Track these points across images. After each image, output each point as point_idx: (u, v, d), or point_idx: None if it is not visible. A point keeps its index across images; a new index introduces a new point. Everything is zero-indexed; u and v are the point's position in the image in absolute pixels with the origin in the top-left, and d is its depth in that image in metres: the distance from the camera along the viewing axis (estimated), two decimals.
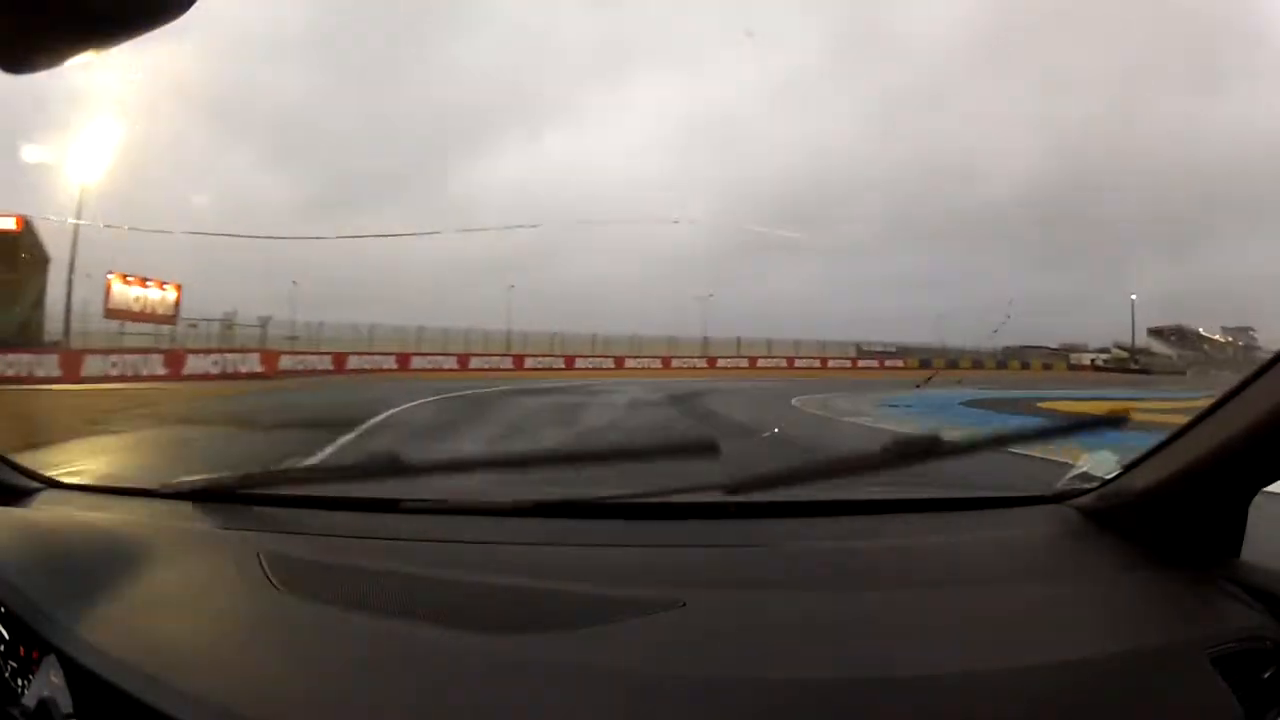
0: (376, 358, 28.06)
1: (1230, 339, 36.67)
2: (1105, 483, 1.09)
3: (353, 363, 27.05)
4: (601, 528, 1.18)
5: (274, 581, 0.91)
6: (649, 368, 33.01)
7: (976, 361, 35.04)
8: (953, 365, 32.96)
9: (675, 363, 34.85)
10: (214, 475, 1.28)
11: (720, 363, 36.02)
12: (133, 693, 0.70)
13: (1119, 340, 36.64)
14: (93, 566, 0.95)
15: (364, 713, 0.68)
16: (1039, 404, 12.75)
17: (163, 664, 0.75)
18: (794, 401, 13.39)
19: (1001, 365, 35.89)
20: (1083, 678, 0.71)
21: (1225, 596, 0.85)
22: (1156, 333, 36.27)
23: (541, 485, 1.27)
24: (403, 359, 28.52)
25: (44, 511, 1.28)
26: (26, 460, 1.42)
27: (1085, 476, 1.16)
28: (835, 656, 0.75)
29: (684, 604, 0.82)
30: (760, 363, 36.68)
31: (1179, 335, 36.54)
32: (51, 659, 0.78)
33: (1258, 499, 0.92)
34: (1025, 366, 35.99)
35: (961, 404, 12.19)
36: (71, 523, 1.19)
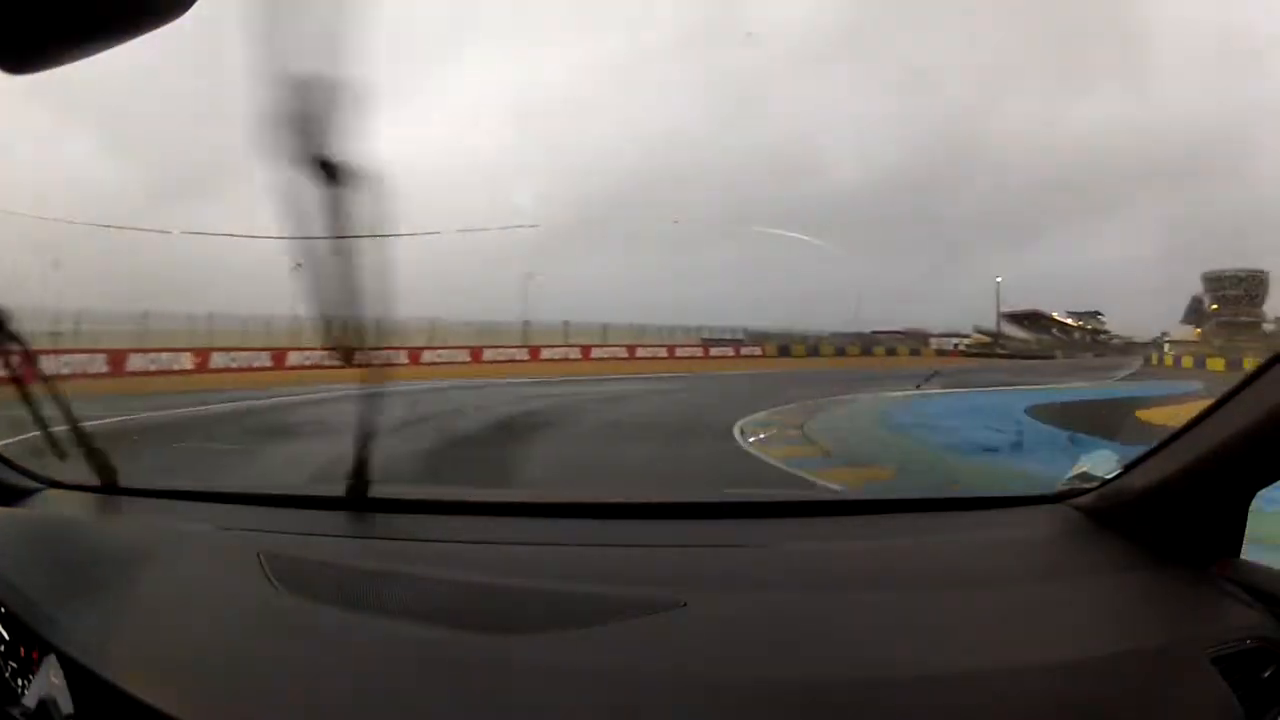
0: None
1: (1080, 323, 37.59)
2: (1105, 483, 1.09)
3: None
4: (601, 528, 1.17)
5: (274, 581, 0.91)
6: (452, 362, 23.69)
7: (839, 349, 33.53)
8: (814, 352, 32.09)
9: (488, 354, 26.79)
10: (214, 476, 1.37)
11: (544, 354, 28.41)
12: (132, 693, 0.70)
13: (978, 324, 36.41)
14: (93, 566, 0.95)
15: (363, 712, 0.68)
16: (1136, 413, 9.47)
17: (163, 664, 0.75)
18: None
19: (867, 352, 33.75)
20: (1083, 678, 0.71)
21: (1225, 596, 0.85)
22: (1012, 317, 36.52)
23: (541, 486, 1.29)
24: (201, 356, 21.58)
25: (44, 511, 1.28)
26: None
27: (1085, 476, 1.16)
28: (836, 656, 0.76)
29: (684, 604, 0.82)
30: (595, 352, 29.69)
31: (1033, 319, 36.99)
32: (51, 659, 0.78)
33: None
34: (891, 353, 33.92)
35: (1029, 414, 9.95)
36: (71, 523, 1.20)
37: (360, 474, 1.19)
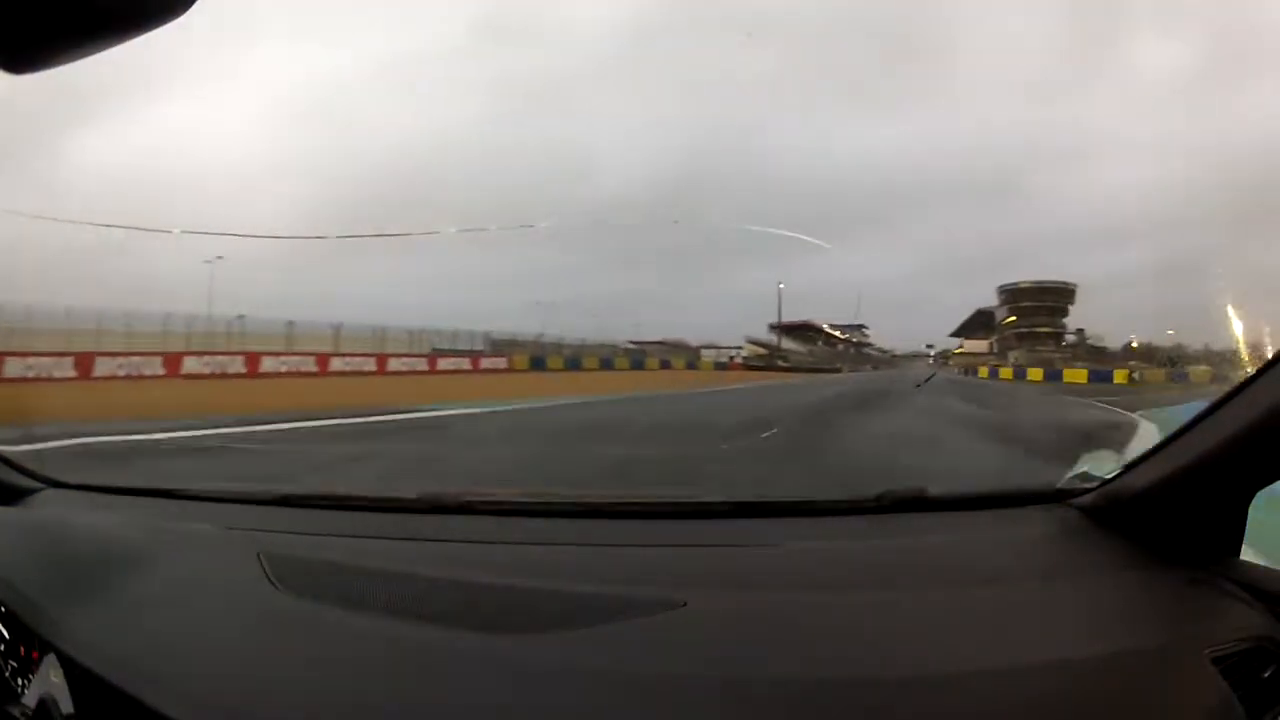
0: None
1: (846, 335, 37.81)
2: (1105, 482, 1.09)
3: None
4: (601, 528, 1.18)
5: (274, 581, 0.91)
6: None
7: (605, 360, 29.40)
8: (575, 365, 27.63)
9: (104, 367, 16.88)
10: (214, 476, 1.35)
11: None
12: (132, 692, 0.71)
13: (750, 335, 35.38)
14: (93, 566, 0.96)
15: (363, 712, 0.68)
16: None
17: (162, 663, 0.76)
18: None
19: (638, 365, 30.24)
20: (1083, 678, 0.71)
21: (1225, 596, 0.85)
22: (786, 328, 35.92)
23: (542, 486, 1.29)
24: None
25: (44, 511, 1.29)
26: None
27: (1085, 476, 1.16)
28: (836, 656, 0.75)
29: (684, 604, 0.82)
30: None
31: (805, 330, 36.97)
32: (51, 658, 0.79)
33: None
34: (666, 366, 31.56)
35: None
36: (71, 523, 1.20)
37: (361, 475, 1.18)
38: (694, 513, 1.22)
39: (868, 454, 6.25)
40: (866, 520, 1.20)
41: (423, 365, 24.72)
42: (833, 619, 0.83)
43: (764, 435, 7.23)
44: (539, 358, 27.80)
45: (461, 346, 27.05)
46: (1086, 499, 1.11)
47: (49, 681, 0.77)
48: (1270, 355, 0.84)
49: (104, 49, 0.59)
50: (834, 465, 5.78)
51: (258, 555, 0.97)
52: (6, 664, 0.84)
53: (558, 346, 29.37)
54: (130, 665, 0.75)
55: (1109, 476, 1.10)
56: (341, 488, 1.23)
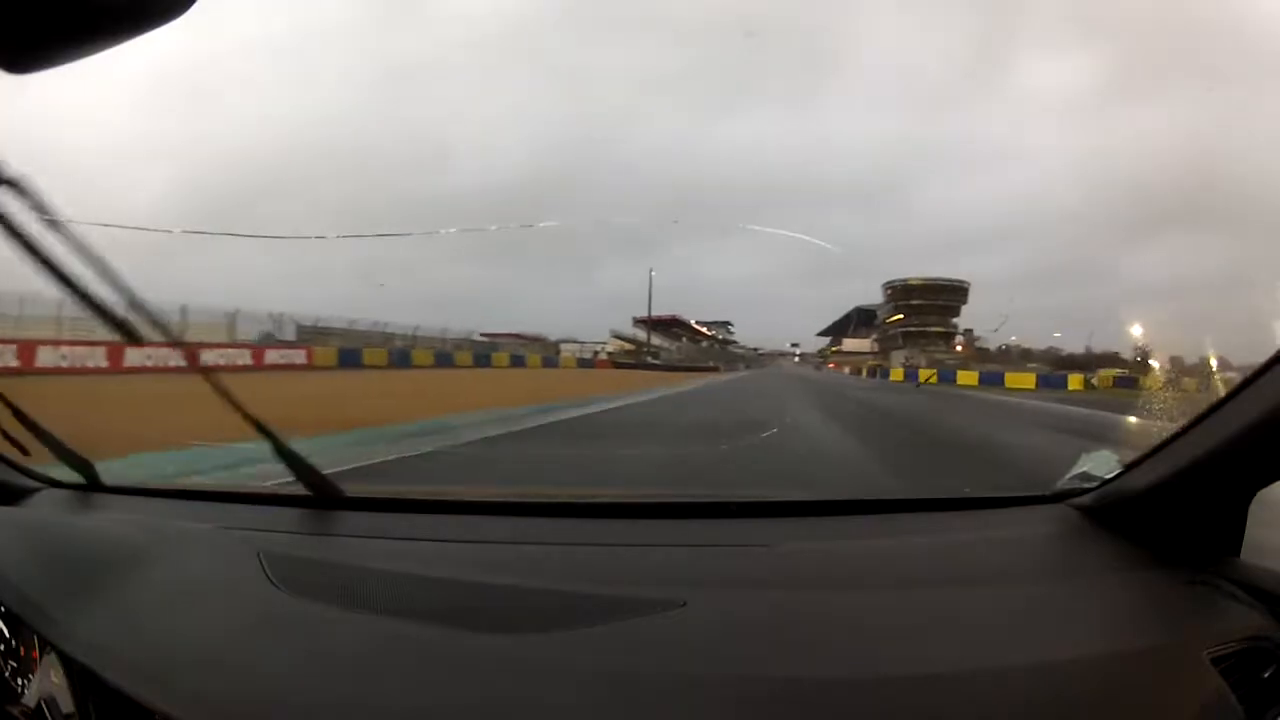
0: None
1: (713, 331, 38.17)
2: (1105, 483, 1.09)
3: None
4: (601, 528, 1.17)
5: (274, 581, 0.91)
6: None
7: (442, 356, 25.67)
8: (403, 360, 22.92)
9: None
10: (214, 475, 1.37)
11: None
12: (132, 692, 0.71)
13: (615, 329, 34.70)
14: (93, 566, 0.96)
15: (364, 712, 0.68)
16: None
17: (162, 663, 0.76)
18: None
19: (483, 361, 27.47)
20: (1084, 677, 0.71)
21: (1225, 596, 0.86)
22: (656, 323, 35.09)
23: (541, 485, 1.29)
24: None
25: (44, 511, 1.29)
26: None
27: (1085, 476, 1.16)
28: (836, 656, 0.75)
29: (684, 604, 0.82)
30: None
31: (672, 326, 36.59)
32: (51, 658, 0.79)
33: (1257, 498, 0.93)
34: (519, 362, 28.79)
35: None
36: (72, 523, 1.20)
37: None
38: (694, 513, 1.22)
39: None
40: (866, 520, 1.20)
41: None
42: (832, 619, 0.83)
43: None
44: (352, 350, 21.76)
45: (286, 336, 21.67)
46: (1086, 499, 1.11)
47: (49, 681, 0.78)
48: (1271, 356, 0.83)
49: (104, 49, 0.60)
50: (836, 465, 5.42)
51: (257, 554, 0.97)
52: (6, 664, 0.85)
53: (386, 337, 24.73)
54: (130, 665, 0.75)
55: (1109, 476, 1.10)
56: (342, 487, 1.23)
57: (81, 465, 1.31)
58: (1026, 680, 0.70)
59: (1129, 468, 1.06)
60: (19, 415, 1.25)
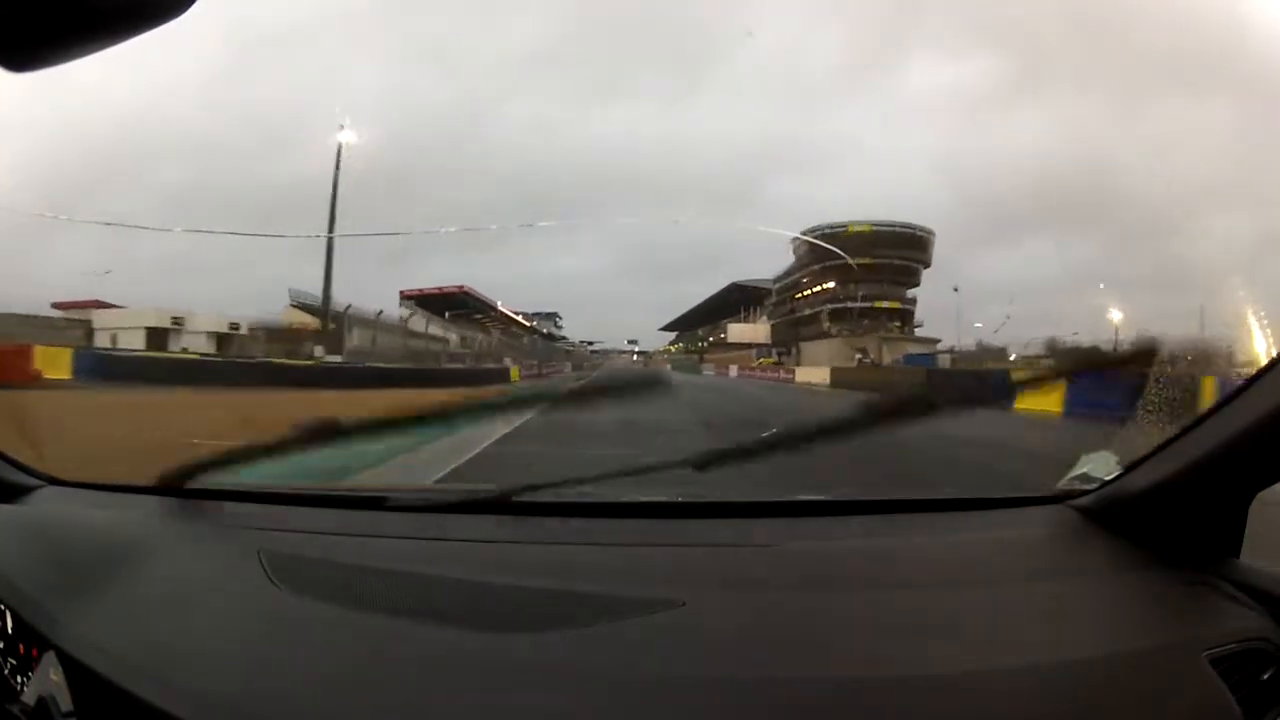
0: None
1: (533, 323, 34.67)
2: (1105, 483, 1.09)
3: None
4: (600, 527, 1.17)
5: (274, 579, 0.91)
6: None
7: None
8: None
9: None
10: (214, 473, 1.26)
11: None
12: (132, 690, 0.71)
13: (296, 291, 27.78)
14: (93, 564, 0.96)
15: (363, 711, 0.68)
16: None
17: (162, 661, 0.76)
18: None
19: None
20: (1083, 678, 0.71)
21: (1225, 597, 0.86)
22: (422, 300, 29.90)
23: (541, 485, 1.22)
24: None
25: (44, 509, 1.29)
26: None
27: (1085, 477, 1.16)
28: (835, 656, 0.75)
29: (684, 604, 0.82)
30: None
31: (459, 302, 31.76)
32: (51, 656, 0.79)
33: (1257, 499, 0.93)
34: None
35: None
36: (71, 521, 1.21)
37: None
38: (693, 512, 1.22)
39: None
40: (866, 520, 1.20)
41: None
42: (832, 619, 0.83)
43: None
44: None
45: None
46: (1086, 500, 1.11)
47: (48, 679, 0.77)
48: (1273, 356, 0.84)
49: (104, 48, 0.60)
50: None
51: (257, 553, 0.97)
52: (6, 662, 0.84)
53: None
54: (130, 663, 0.75)
55: (1109, 477, 1.10)
56: (343, 486, 1.22)
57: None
58: (1026, 681, 0.70)
59: (1129, 469, 1.06)
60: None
